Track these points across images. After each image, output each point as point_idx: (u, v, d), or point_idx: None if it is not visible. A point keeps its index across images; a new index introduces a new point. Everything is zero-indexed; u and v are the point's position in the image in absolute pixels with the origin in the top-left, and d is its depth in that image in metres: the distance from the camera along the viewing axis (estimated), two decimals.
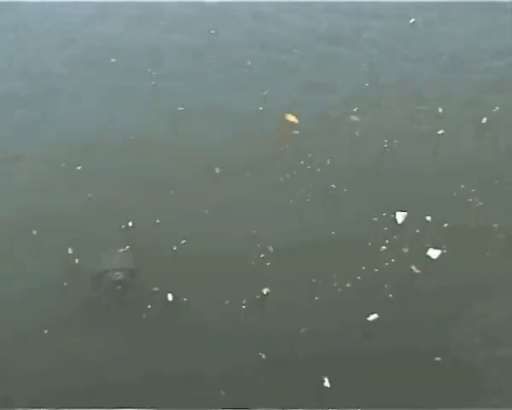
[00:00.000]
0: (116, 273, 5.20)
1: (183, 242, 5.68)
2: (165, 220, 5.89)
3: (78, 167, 6.47)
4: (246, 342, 4.89)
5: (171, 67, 8.04)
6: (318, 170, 6.45)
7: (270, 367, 4.74)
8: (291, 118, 7.02)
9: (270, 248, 5.61)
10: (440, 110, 7.23)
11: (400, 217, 5.85)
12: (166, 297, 5.25)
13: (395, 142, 6.76)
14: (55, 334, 4.99)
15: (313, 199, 6.10)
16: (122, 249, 5.52)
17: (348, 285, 5.28)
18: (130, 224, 5.77)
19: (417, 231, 5.74)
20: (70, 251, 5.55)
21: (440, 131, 6.87)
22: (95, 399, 4.50)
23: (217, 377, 4.67)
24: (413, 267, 5.40)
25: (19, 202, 6.07)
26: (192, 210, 6.00)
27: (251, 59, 8.11)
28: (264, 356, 4.78)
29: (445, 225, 5.77)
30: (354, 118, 7.11)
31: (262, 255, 5.57)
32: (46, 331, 5.00)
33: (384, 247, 5.59)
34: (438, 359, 4.70)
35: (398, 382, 4.57)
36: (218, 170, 6.41)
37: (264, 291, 5.24)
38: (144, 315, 5.13)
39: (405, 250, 5.57)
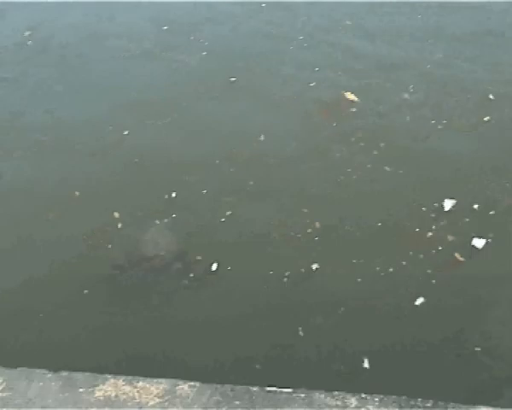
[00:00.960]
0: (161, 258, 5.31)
1: (229, 213, 5.73)
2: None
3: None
4: (284, 315, 4.90)
5: None
6: (375, 152, 6.37)
7: (307, 344, 4.75)
8: (350, 96, 6.97)
9: (318, 225, 5.60)
10: (491, 96, 7.06)
11: (448, 204, 5.79)
12: (210, 267, 5.31)
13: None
14: (95, 295, 5.12)
15: (363, 180, 6.05)
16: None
17: (391, 270, 5.25)
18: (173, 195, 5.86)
19: (465, 219, 5.66)
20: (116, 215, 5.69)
21: (486, 118, 6.72)
22: (131, 368, 4.59)
23: (253, 350, 4.70)
24: (457, 255, 5.34)
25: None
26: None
27: None
28: (301, 333, 4.81)
29: (491, 212, 5.67)
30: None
31: (309, 230, 5.57)
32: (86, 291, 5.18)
33: (430, 233, 5.54)
34: (478, 349, 4.66)
35: (439, 370, 4.53)
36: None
37: (314, 267, 5.26)
38: (186, 282, 5.21)
39: (451, 238, 5.51)
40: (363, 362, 4.61)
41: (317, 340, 4.75)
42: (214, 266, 5.28)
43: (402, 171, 6.10)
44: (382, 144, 6.40)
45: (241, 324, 4.85)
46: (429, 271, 5.18)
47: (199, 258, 5.38)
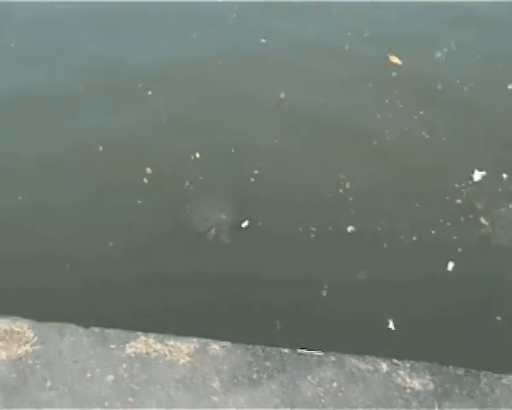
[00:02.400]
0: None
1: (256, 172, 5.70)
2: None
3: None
4: (305, 276, 4.89)
5: None
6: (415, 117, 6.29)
7: (332, 305, 4.73)
8: (394, 59, 6.87)
9: (348, 185, 5.58)
10: None
11: (478, 176, 5.73)
12: (240, 224, 5.31)
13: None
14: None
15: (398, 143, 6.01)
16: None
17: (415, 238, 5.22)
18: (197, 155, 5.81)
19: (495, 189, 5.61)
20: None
21: None
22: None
23: (275, 311, 4.71)
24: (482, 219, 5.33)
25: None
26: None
27: None
28: (324, 293, 4.79)
29: None
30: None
31: (341, 190, 5.56)
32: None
33: (459, 200, 5.49)
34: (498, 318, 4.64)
35: (466, 336, 4.52)
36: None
37: (349, 230, 5.25)
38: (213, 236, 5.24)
39: (479, 206, 5.47)
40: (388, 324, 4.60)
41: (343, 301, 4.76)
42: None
43: None
44: None
45: None
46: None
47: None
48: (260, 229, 5.23)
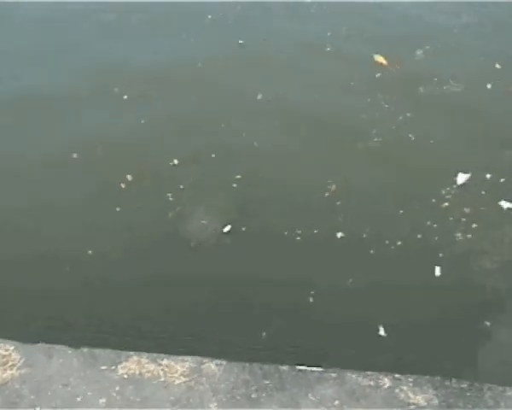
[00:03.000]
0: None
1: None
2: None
3: None
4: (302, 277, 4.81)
5: None
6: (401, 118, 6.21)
7: (320, 313, 4.63)
8: (379, 59, 6.77)
9: (333, 187, 5.49)
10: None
11: (461, 178, 5.64)
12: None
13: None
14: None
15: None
16: None
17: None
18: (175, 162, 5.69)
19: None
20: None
21: None
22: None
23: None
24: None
25: None
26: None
27: None
28: (312, 299, 4.68)
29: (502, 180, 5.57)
30: None
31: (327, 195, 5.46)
32: None
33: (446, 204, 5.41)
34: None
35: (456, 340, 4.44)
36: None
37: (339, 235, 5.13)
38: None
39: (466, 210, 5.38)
40: (378, 330, 4.49)
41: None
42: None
43: None
44: None
45: None
46: None
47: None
48: (255, 230, 5.15)
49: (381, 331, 4.46)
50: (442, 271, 4.84)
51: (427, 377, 4.01)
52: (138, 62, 6.90)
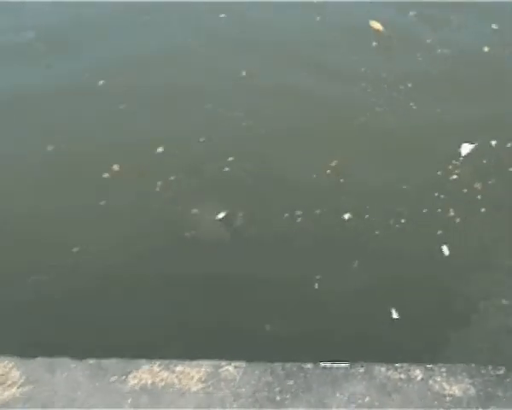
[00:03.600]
0: None
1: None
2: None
3: None
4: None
5: None
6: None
7: (323, 299, 4.41)
8: (376, 25, 6.51)
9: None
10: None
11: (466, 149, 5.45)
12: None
13: None
14: None
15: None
16: None
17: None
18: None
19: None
20: None
21: None
22: None
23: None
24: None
25: None
26: None
27: None
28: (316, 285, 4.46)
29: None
30: None
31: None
32: None
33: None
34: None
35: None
36: None
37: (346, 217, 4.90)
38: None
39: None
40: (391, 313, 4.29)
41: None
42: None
43: None
44: None
45: None
46: None
47: None
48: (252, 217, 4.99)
49: (394, 314, 4.23)
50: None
51: (462, 365, 3.77)
52: None
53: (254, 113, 5.75)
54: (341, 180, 5.24)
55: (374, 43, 6.50)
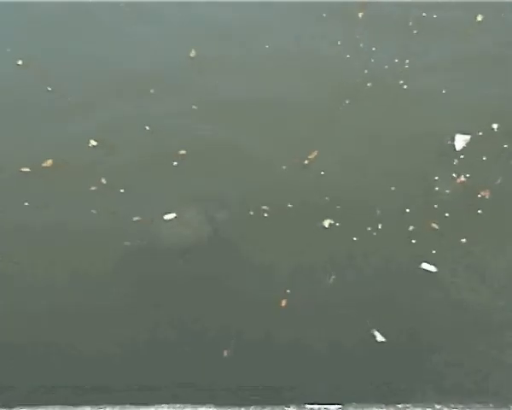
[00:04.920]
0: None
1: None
2: None
3: None
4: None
5: None
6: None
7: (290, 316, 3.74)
8: None
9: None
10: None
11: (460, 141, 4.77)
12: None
13: None
14: None
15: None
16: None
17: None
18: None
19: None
20: None
21: None
22: None
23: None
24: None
25: None
26: None
27: None
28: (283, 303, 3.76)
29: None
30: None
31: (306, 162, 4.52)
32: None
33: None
34: None
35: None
36: None
37: (326, 224, 4.15)
38: None
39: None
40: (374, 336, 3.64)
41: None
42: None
43: None
44: None
45: None
46: None
47: None
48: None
49: (378, 337, 3.59)
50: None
51: (478, 405, 3.14)
52: None
53: None
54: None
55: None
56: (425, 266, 3.91)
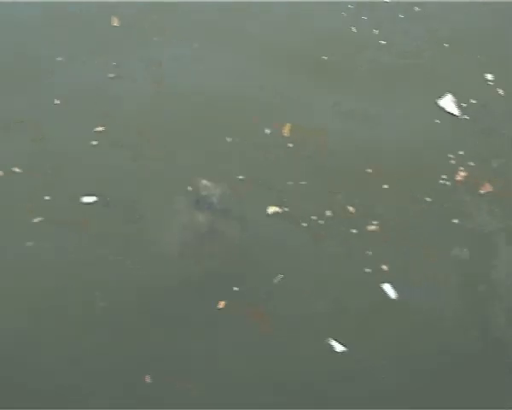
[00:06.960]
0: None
1: None
2: None
3: None
4: None
5: None
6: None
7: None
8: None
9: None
10: None
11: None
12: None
13: None
14: None
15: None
16: None
17: None
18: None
19: None
20: None
21: None
22: None
23: None
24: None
25: None
26: None
27: None
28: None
29: None
30: None
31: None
32: None
33: None
34: None
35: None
36: None
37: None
38: None
39: None
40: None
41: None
42: None
43: None
44: None
45: None
46: None
47: None
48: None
49: (337, 347, 3.56)
50: None
51: None
52: None
53: None
54: None
55: None
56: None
